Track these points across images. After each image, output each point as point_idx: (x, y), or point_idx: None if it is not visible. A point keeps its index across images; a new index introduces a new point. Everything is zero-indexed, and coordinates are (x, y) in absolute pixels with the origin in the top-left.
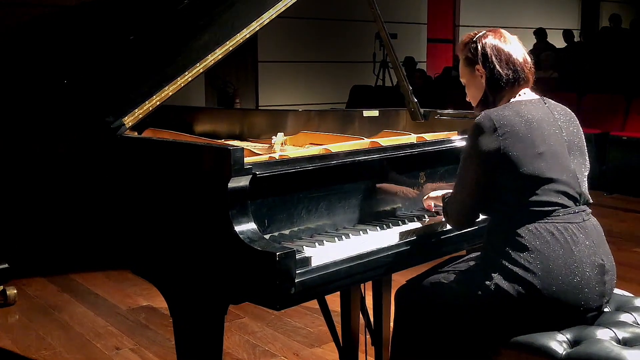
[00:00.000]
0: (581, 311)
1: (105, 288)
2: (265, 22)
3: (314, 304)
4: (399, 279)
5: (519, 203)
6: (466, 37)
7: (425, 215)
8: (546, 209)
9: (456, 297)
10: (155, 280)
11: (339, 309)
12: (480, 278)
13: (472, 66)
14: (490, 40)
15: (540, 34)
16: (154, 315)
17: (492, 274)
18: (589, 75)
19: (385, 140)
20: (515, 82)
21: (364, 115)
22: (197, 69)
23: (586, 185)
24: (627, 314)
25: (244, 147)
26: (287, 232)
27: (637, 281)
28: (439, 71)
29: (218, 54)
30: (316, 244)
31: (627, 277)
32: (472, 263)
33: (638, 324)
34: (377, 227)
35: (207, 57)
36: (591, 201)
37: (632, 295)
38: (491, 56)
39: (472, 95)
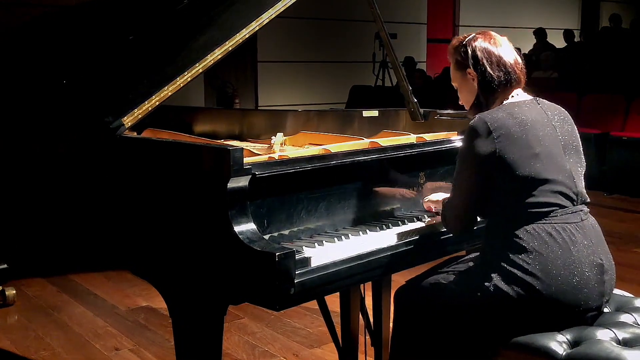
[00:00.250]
0: (581, 311)
1: (104, 288)
2: (265, 22)
3: (313, 304)
4: (399, 279)
5: (516, 205)
6: (455, 40)
7: (425, 216)
8: (544, 210)
9: (455, 297)
10: (154, 281)
11: (339, 310)
12: (480, 279)
13: (464, 70)
14: (480, 43)
15: (540, 34)
16: (153, 315)
17: (491, 275)
18: (589, 75)
19: (385, 141)
20: (508, 84)
21: (364, 115)
22: (197, 69)
23: (583, 184)
24: (627, 314)
25: (244, 147)
26: (286, 232)
27: (637, 282)
28: (439, 71)
29: (217, 54)
30: (316, 244)
31: (627, 278)
32: (471, 264)
33: (638, 325)
34: (377, 228)
35: (207, 57)
36: (588, 200)
37: (632, 296)
38: (482, 59)
39: (465, 99)
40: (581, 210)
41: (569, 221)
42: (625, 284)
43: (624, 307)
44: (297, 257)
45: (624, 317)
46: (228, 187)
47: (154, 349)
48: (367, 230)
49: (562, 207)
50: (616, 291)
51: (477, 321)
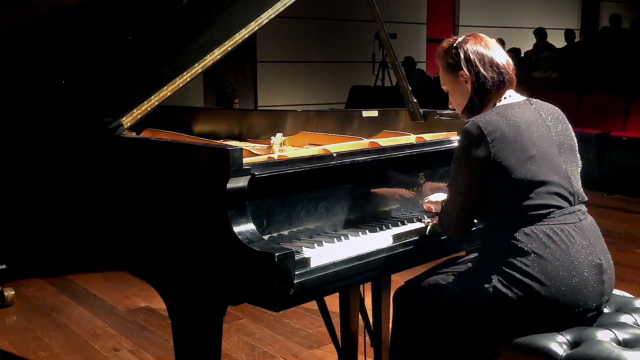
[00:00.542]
0: (580, 312)
1: (103, 289)
2: (264, 22)
3: (313, 305)
4: (399, 279)
5: (514, 208)
6: (445, 43)
7: (425, 216)
8: (541, 212)
9: (455, 298)
10: (153, 281)
11: (338, 310)
12: (479, 281)
13: (455, 72)
14: (472, 45)
15: (540, 34)
16: (153, 316)
17: (491, 277)
18: (589, 75)
19: (385, 141)
20: (501, 84)
21: (363, 115)
22: (196, 69)
23: (580, 183)
24: (628, 315)
25: (243, 147)
26: (286, 232)
27: (637, 282)
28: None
29: (217, 54)
30: (315, 244)
31: (627, 278)
32: (470, 264)
33: (638, 325)
34: (376, 228)
35: (206, 57)
36: (586, 199)
37: (632, 297)
38: (474, 60)
39: (457, 102)
40: (579, 210)
41: (566, 222)
42: (626, 285)
43: (624, 307)
44: (297, 257)
45: (624, 318)
46: (227, 187)
47: (153, 350)
48: (367, 231)
49: (559, 208)
50: (616, 292)
51: (477, 322)
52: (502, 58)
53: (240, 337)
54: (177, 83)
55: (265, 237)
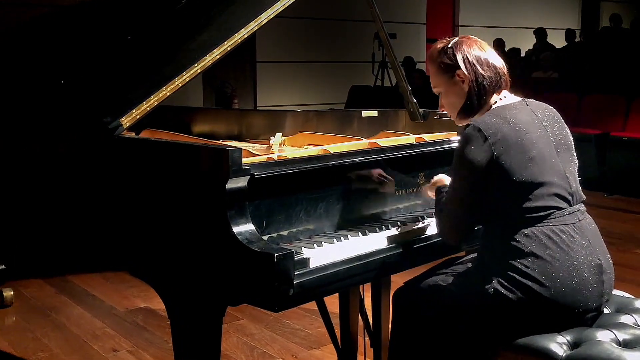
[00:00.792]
0: (581, 312)
1: (102, 289)
2: (264, 22)
3: (312, 305)
4: (398, 280)
5: (513, 210)
6: (439, 44)
7: (425, 217)
8: (541, 213)
9: (454, 299)
10: (153, 282)
11: (338, 311)
12: (479, 282)
13: (451, 72)
14: (468, 46)
15: (540, 34)
16: (152, 316)
17: (491, 279)
18: (589, 75)
19: (384, 141)
20: (497, 85)
21: (363, 115)
22: (195, 69)
23: (578, 182)
24: (628, 315)
25: (242, 147)
26: (285, 233)
27: (637, 282)
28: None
29: (216, 54)
30: (315, 245)
31: (628, 279)
32: (470, 265)
33: (638, 326)
34: (376, 228)
35: (205, 57)
36: (584, 198)
37: (633, 297)
38: (472, 59)
39: (451, 104)
40: (578, 210)
41: (566, 222)
42: (626, 285)
43: (624, 308)
44: (296, 258)
45: (624, 318)
46: (227, 187)
47: (152, 350)
48: (367, 231)
49: (559, 209)
50: (616, 292)
51: (476, 323)
52: (496, 59)
53: (240, 338)
54: (176, 83)
55: (265, 238)
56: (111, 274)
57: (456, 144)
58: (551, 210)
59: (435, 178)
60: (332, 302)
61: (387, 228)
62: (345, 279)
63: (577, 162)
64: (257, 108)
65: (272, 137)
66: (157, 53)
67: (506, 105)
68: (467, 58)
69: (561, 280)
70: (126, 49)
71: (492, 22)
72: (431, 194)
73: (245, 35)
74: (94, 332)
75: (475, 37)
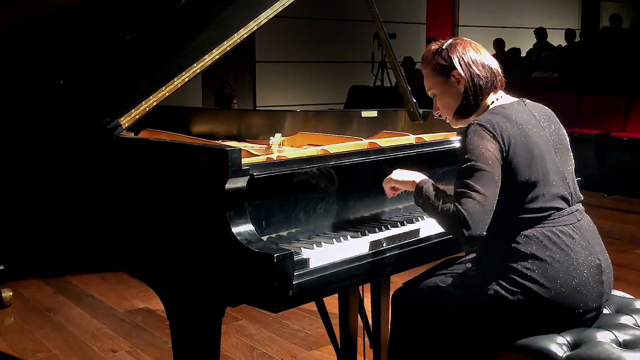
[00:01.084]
0: (580, 313)
1: (101, 290)
2: (263, 22)
3: (312, 306)
4: (398, 280)
5: (514, 210)
6: (433, 46)
7: (425, 217)
8: (541, 214)
9: (454, 300)
10: (152, 282)
11: (337, 311)
12: (478, 283)
13: (447, 73)
14: (462, 47)
15: (540, 33)
16: (151, 317)
17: (491, 280)
18: (589, 75)
19: (384, 141)
20: (492, 85)
21: (363, 115)
22: (194, 69)
23: (575, 182)
24: (628, 316)
25: (242, 147)
26: (284, 233)
27: (637, 283)
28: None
29: (215, 54)
30: (314, 245)
31: (628, 279)
32: (469, 265)
33: (638, 326)
34: (376, 229)
35: (204, 57)
36: (582, 198)
37: (633, 297)
38: (467, 60)
39: (447, 105)
40: (576, 210)
41: (566, 223)
42: (626, 286)
43: (624, 308)
44: (296, 258)
45: (624, 319)
46: (226, 187)
47: (152, 351)
48: (366, 232)
49: (558, 209)
50: (616, 292)
51: (476, 324)
52: (491, 60)
53: (239, 338)
54: (175, 83)
55: (264, 238)
56: (110, 274)
57: (458, 144)
58: (551, 211)
59: (397, 173)
60: (332, 303)
61: (387, 228)
62: (344, 279)
63: (573, 162)
64: (257, 108)
65: (271, 138)
66: (156, 53)
67: (505, 104)
68: (463, 59)
69: (561, 281)
70: (125, 49)
71: (492, 22)
72: (393, 192)
73: (245, 35)
74: (93, 332)
75: (469, 39)
